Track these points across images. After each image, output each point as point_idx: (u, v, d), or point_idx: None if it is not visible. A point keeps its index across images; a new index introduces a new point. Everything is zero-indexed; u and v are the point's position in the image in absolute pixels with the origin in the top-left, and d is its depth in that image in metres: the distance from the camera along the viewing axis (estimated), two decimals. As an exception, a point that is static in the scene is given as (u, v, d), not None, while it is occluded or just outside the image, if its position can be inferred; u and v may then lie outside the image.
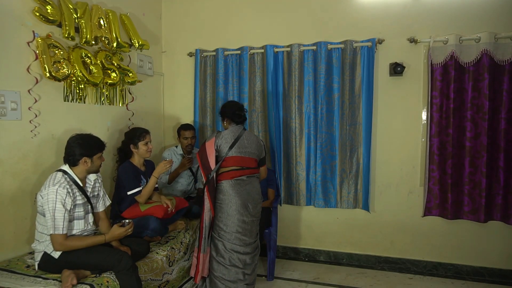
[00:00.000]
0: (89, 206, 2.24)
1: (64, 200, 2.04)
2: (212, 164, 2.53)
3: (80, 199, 2.16)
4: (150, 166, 2.93)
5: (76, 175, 2.17)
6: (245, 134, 2.66)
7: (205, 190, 2.54)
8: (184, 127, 3.44)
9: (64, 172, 2.14)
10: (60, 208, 2.02)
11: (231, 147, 2.56)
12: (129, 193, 2.68)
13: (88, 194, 2.26)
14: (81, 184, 2.20)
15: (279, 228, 3.49)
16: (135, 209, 2.69)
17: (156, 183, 2.82)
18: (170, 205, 2.74)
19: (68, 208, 2.06)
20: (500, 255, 3.13)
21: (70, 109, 2.71)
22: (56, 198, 2.01)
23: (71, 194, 2.09)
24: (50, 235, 2.02)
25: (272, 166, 3.52)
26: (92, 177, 2.30)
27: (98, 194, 2.34)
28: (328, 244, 3.59)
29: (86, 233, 2.23)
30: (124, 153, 2.87)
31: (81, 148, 2.15)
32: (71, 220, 2.12)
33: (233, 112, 2.66)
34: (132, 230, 2.25)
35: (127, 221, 2.25)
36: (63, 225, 2.02)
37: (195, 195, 3.54)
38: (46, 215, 2.02)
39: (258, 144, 2.70)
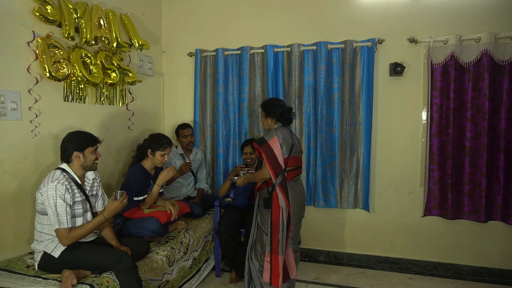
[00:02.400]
0: (88, 205, 2.24)
1: (64, 195, 2.05)
2: (282, 164, 2.49)
3: (79, 196, 2.17)
4: (159, 170, 2.93)
5: (74, 173, 2.18)
6: (293, 133, 2.68)
7: (279, 190, 2.47)
8: (182, 126, 3.49)
9: (63, 170, 2.15)
10: (61, 203, 2.03)
11: (291, 148, 2.54)
12: (135, 199, 2.69)
13: (87, 192, 2.26)
14: (80, 182, 2.20)
15: (279, 228, 3.49)
16: (139, 211, 2.69)
17: (161, 189, 2.82)
18: (173, 213, 2.75)
19: (69, 203, 2.07)
20: (500, 255, 3.13)
21: (70, 109, 2.71)
22: (56, 193, 2.02)
23: (70, 191, 2.09)
24: (56, 230, 2.03)
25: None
26: (90, 175, 2.30)
27: (96, 193, 2.34)
28: (328, 244, 3.58)
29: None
30: (141, 151, 2.88)
31: (71, 143, 2.16)
32: (71, 217, 2.12)
33: (281, 114, 2.60)
34: (127, 201, 2.25)
35: (119, 192, 2.23)
36: (67, 219, 2.04)
37: (195, 195, 3.54)
38: (49, 212, 2.03)
39: (300, 143, 2.74)
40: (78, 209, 2.16)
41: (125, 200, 2.22)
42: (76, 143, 2.16)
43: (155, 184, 2.76)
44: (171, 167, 2.80)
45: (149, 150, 2.78)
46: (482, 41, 2.94)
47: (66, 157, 2.17)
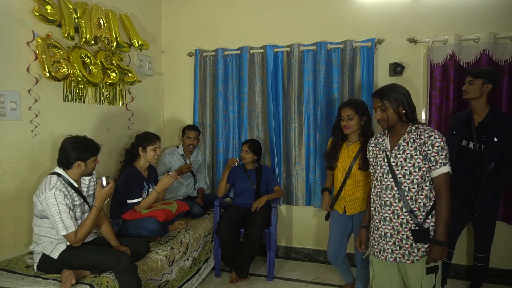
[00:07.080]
0: (86, 206, 2.24)
1: (64, 201, 2.05)
2: None
3: (77, 200, 2.16)
4: (152, 172, 2.94)
5: (71, 177, 2.16)
6: None
7: None
8: (189, 126, 3.48)
9: (59, 174, 2.12)
10: (64, 209, 2.03)
11: None
12: (129, 201, 2.69)
13: (84, 194, 2.25)
14: (76, 185, 2.19)
15: (279, 228, 3.48)
16: (136, 212, 2.68)
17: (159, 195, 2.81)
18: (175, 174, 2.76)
19: (70, 207, 2.07)
20: (500, 255, 3.12)
21: (69, 109, 2.71)
22: (56, 201, 2.01)
23: (68, 196, 2.08)
24: (64, 236, 2.04)
25: (272, 166, 3.52)
26: (86, 176, 2.29)
27: (93, 193, 2.33)
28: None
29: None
30: (131, 155, 2.84)
31: (75, 152, 2.12)
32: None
33: None
34: (114, 183, 2.25)
35: (103, 178, 2.18)
36: (73, 223, 2.05)
37: (195, 195, 3.54)
38: (51, 219, 2.03)
39: None
40: (77, 212, 2.16)
41: (111, 184, 2.19)
42: (81, 153, 2.13)
43: (153, 190, 2.74)
44: (173, 174, 2.76)
45: (140, 149, 2.77)
46: (481, 41, 2.94)
47: (66, 164, 2.13)
